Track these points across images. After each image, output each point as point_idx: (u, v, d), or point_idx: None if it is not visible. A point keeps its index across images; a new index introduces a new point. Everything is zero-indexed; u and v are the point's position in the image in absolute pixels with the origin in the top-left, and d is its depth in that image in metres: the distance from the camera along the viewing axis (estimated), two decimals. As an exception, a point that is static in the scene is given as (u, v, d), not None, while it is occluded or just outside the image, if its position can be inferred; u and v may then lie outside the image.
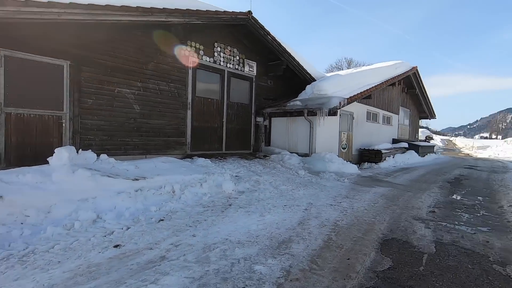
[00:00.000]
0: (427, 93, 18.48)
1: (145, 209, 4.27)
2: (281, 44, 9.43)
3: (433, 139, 37.36)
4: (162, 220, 3.99)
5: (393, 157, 12.41)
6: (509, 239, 3.73)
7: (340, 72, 10.50)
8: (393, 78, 12.77)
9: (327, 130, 9.87)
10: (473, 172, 10.98)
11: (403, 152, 14.02)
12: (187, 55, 8.00)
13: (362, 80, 10.56)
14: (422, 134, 33.25)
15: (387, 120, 15.51)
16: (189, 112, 8.10)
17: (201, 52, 8.39)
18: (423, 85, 17.65)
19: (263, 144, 10.45)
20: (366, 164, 11.46)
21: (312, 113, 8.96)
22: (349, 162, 9.49)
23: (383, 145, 12.41)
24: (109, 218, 3.79)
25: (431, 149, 18.12)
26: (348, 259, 3.02)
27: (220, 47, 8.93)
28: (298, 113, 9.43)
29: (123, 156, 6.60)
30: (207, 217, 4.18)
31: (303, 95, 9.75)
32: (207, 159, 7.38)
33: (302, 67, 10.21)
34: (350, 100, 9.01)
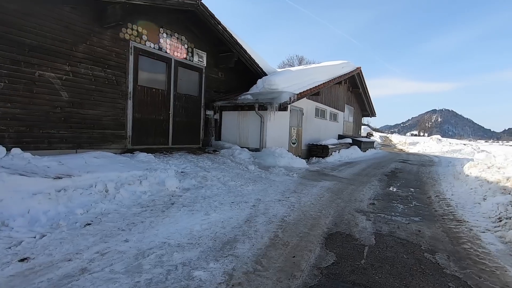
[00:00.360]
0: (369, 92, 19.94)
1: (69, 212, 3.67)
2: (232, 35, 9.13)
3: (373, 136, 40.74)
4: (89, 224, 3.46)
5: (338, 152, 13.08)
6: (437, 228, 4.05)
7: (291, 68, 10.63)
8: (340, 77, 13.43)
9: (277, 125, 9.92)
10: (406, 165, 12.12)
11: (348, 147, 14.90)
12: (127, 39, 7.22)
13: (312, 77, 10.85)
14: (363, 130, 35.99)
15: (334, 117, 16.32)
16: (130, 102, 7.36)
17: (144, 37, 7.66)
18: (366, 85, 18.98)
19: (213, 138, 10.09)
20: (314, 159, 11.87)
21: (263, 107, 8.88)
22: (298, 157, 9.68)
23: (330, 141, 13.00)
24: (18, 225, 3.14)
25: (371, 144, 19.64)
26: (294, 256, 2.93)
27: (167, 34, 8.28)
28: (249, 107, 9.28)
29: (47, 150, 5.69)
30: (145, 218, 3.76)
31: (254, 89, 9.62)
32: (150, 154, 6.79)
33: (253, 60, 10.06)
34: (300, 96, 9.15)
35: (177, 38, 8.62)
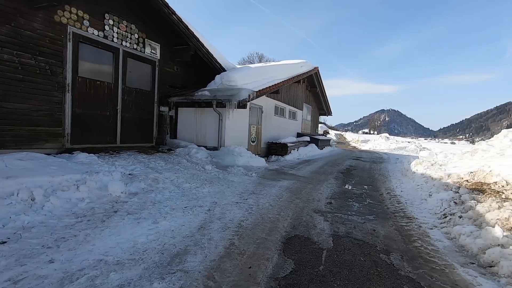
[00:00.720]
0: (326, 92, 20.65)
1: (-23, 229, 3.00)
2: (189, 27, 8.60)
3: (329, 133, 42.65)
4: (4, 242, 2.84)
5: (297, 150, 13.26)
6: (389, 226, 4.15)
7: (251, 65, 10.42)
8: (299, 75, 13.61)
9: (236, 123, 9.65)
10: (359, 163, 12.72)
11: (306, 145, 15.21)
12: (64, 24, 6.34)
13: (271, 75, 10.77)
14: (320, 128, 37.44)
15: (293, 115, 16.55)
16: (68, 96, 6.49)
17: (86, 23, 6.81)
18: (322, 85, 19.60)
19: (168, 136, 9.47)
20: (273, 157, 11.85)
21: (221, 104, 8.54)
22: (257, 156, 9.53)
23: (289, 139, 13.12)
24: None
25: (327, 142, 20.40)
26: (250, 267, 2.71)
27: (113, 20, 7.48)
28: (207, 104, 8.87)
29: (-43, 151, 4.72)
30: (79, 231, 3.23)
31: (212, 85, 9.22)
32: (92, 155, 6.05)
33: (211, 55, 9.63)
34: (260, 93, 8.99)
35: (126, 26, 7.85)
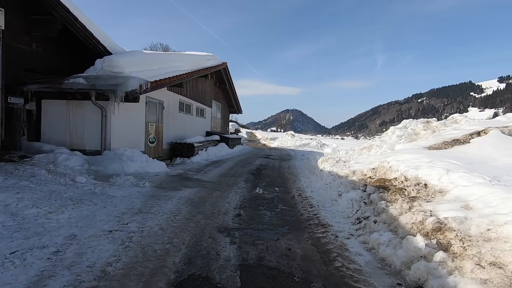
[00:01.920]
0: (235, 89, 20.21)
1: None
2: (52, -10, 6.38)
3: (240, 132, 43.12)
4: None
5: (205, 151, 12.16)
6: (306, 240, 3.53)
7: (146, 51, 8.71)
8: (206, 69, 12.49)
9: (128, 120, 7.87)
10: (269, 161, 12.57)
11: (215, 145, 14.27)
12: None
13: (172, 65, 9.31)
14: (232, 127, 37.32)
15: (201, 113, 15.35)
16: None
17: None
18: (232, 81, 19.03)
19: (25, 138, 6.94)
20: (178, 159, 10.44)
21: (104, 96, 6.68)
22: (155, 159, 8.00)
23: (196, 138, 11.89)
24: None
25: (238, 141, 20.02)
26: None
27: None
28: (84, 95, 6.82)
29: None
30: None
31: (91, 72, 7.15)
32: None
33: (90, 34, 7.51)
34: (156, 84, 7.48)
35: None
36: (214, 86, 17.70)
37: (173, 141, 10.91)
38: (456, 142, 6.13)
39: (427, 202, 3.55)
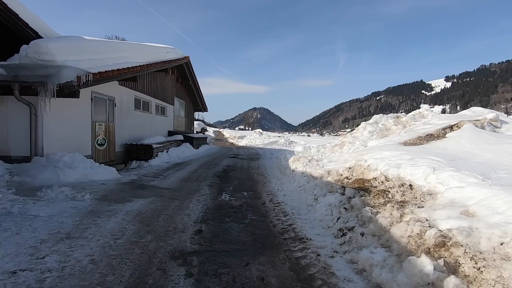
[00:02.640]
0: (200, 86, 19.10)
1: None
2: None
3: (207, 131, 41.78)
4: None
5: (167, 152, 11.07)
6: (282, 262, 2.86)
7: (87, 37, 7.40)
8: (164, 62, 11.33)
9: (68, 119, 6.65)
10: (237, 161, 11.82)
11: (178, 145, 13.18)
12: None
13: (123, 55, 8.12)
14: (198, 126, 35.88)
15: (162, 111, 14.12)
16: None
17: None
18: (195, 77, 17.92)
19: None
20: (134, 163, 9.28)
21: (32, 90, 5.44)
22: (104, 165, 6.86)
23: (156, 139, 10.76)
24: None
25: (204, 140, 18.99)
26: None
27: None
28: (4, 89, 5.52)
29: None
30: None
31: (14, 60, 5.82)
32: None
33: (14, 14, 6.14)
34: (101, 77, 6.35)
35: None
36: (176, 82, 16.49)
37: (128, 143, 9.70)
38: (430, 137, 5.92)
39: (419, 207, 3.07)
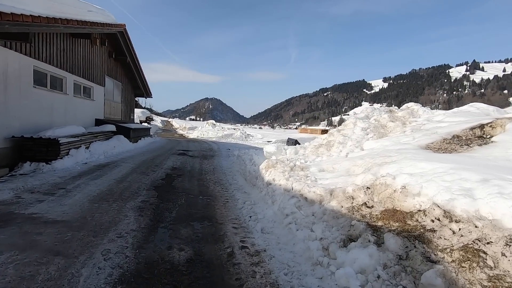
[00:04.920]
0: (140, 64, 15.72)
1: None
2: None
3: (154, 120, 37.46)
4: None
5: (87, 148, 8.07)
6: None
7: None
8: (85, 23, 8.15)
9: None
10: (187, 160, 9.32)
11: (108, 138, 10.11)
12: None
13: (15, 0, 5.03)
14: (142, 114, 31.61)
15: (85, 92, 10.74)
16: None
17: None
18: (135, 54, 14.55)
19: None
20: (28, 166, 6.23)
21: None
22: None
23: (69, 129, 7.68)
24: None
25: (146, 132, 15.83)
26: None
27: None
28: None
29: None
30: None
31: None
32: None
33: None
34: None
35: None
36: (109, 57, 13.04)
37: (20, 135, 6.53)
38: (460, 140, 4.40)
39: None
